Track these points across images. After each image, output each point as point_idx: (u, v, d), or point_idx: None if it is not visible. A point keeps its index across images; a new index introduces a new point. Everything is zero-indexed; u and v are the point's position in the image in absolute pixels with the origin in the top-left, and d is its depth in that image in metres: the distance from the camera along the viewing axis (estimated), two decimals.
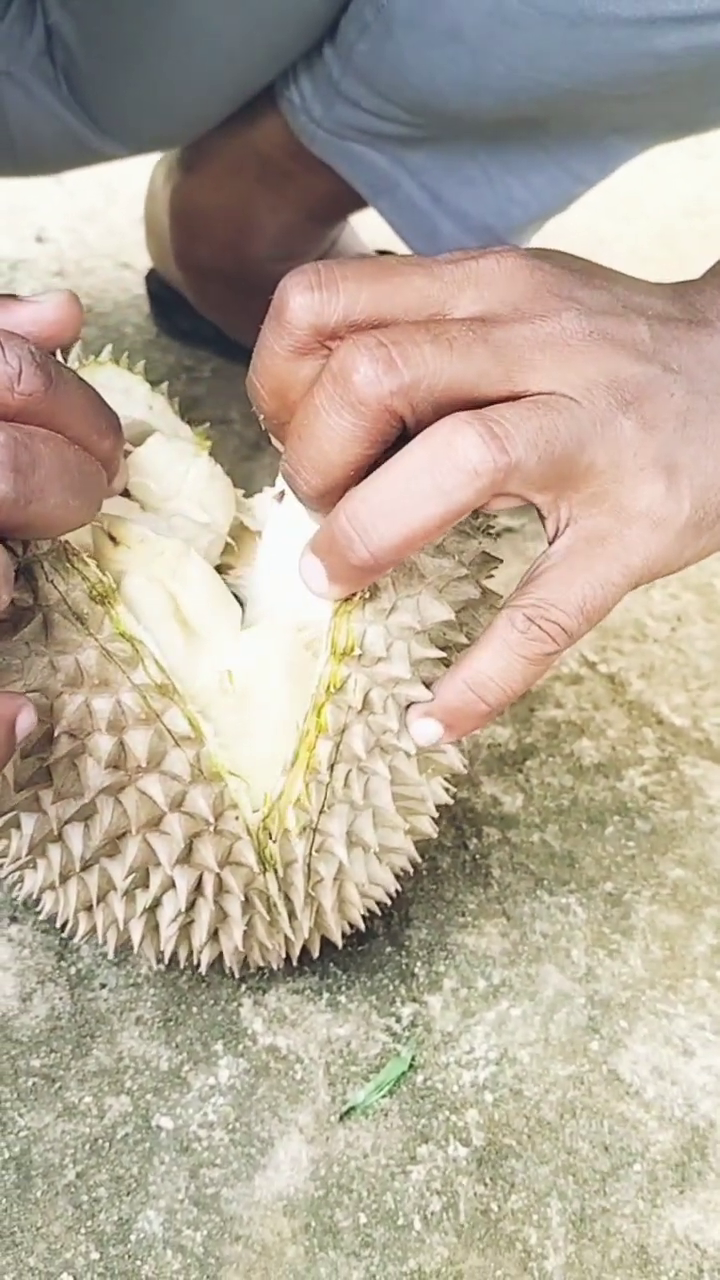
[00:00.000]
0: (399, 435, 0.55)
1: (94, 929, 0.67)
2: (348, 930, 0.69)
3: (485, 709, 0.57)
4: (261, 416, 0.59)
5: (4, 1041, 0.69)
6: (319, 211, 1.10)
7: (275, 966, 0.69)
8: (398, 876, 0.72)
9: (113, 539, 0.60)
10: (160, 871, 0.61)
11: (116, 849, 0.62)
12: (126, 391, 0.68)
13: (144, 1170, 0.65)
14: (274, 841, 0.61)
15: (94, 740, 0.58)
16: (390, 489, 0.53)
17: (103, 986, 0.72)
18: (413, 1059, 0.70)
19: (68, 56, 0.94)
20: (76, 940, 0.71)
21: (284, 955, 0.68)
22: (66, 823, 0.61)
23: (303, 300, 0.53)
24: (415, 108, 0.92)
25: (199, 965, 0.68)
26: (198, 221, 1.12)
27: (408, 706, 0.60)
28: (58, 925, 0.72)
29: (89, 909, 0.65)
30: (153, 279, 1.28)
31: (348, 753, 0.60)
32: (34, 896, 0.67)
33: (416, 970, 0.74)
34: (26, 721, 0.55)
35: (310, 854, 0.62)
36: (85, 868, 0.63)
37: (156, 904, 0.63)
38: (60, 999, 0.71)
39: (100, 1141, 0.66)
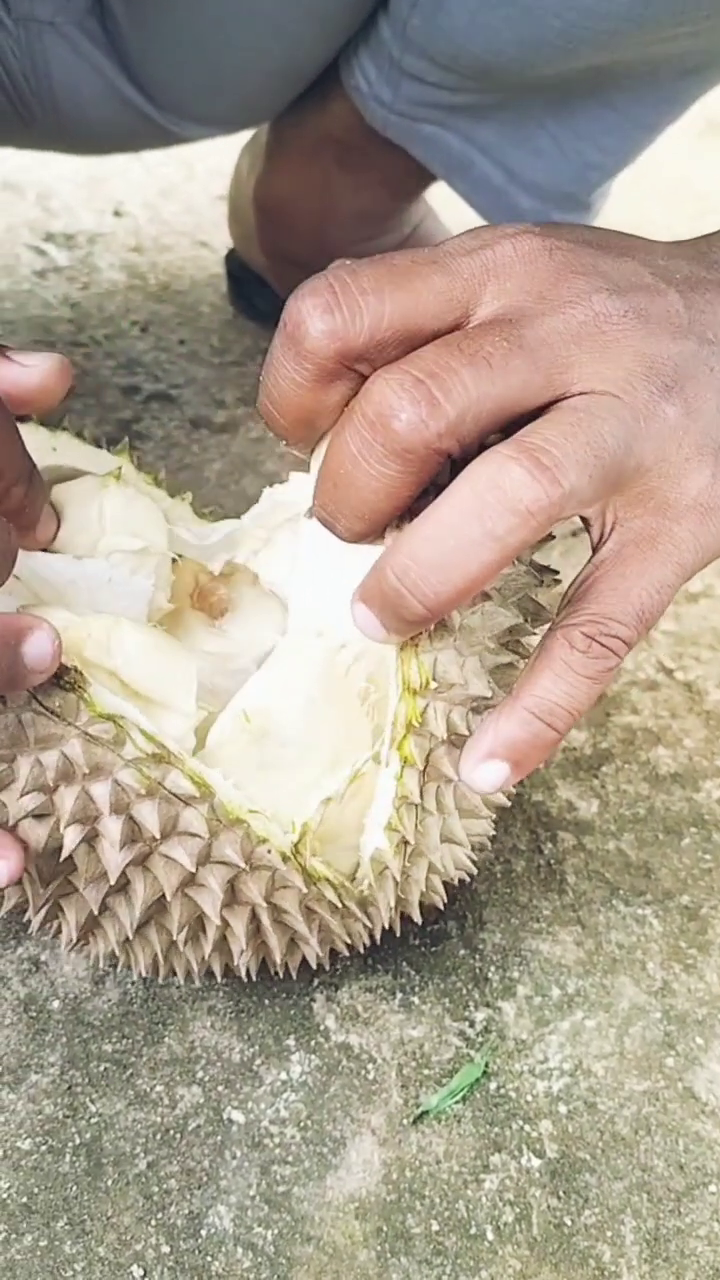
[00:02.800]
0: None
1: (174, 971, 0.66)
2: (433, 901, 0.68)
3: (555, 736, 0.53)
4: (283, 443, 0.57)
5: (76, 1024, 0.69)
6: (399, 188, 1.09)
7: (360, 948, 0.68)
8: (474, 877, 0.71)
9: None
10: (211, 919, 0.60)
11: (163, 908, 0.61)
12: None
13: (215, 1164, 0.64)
14: (315, 857, 0.60)
15: (103, 824, 0.57)
16: (438, 541, 0.49)
17: (174, 973, 0.71)
18: (486, 1065, 0.69)
19: (117, 29, 0.92)
20: (160, 981, 0.71)
21: (366, 939, 0.67)
22: (106, 896, 0.60)
23: (323, 325, 0.49)
24: (478, 74, 0.90)
25: (289, 971, 0.67)
26: (281, 210, 1.11)
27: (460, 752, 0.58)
28: (138, 977, 0.71)
29: (162, 959, 0.65)
30: (232, 259, 1.27)
31: (435, 774, 0.58)
32: (104, 963, 0.67)
33: (490, 975, 0.73)
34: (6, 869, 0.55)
35: (404, 864, 0.61)
36: (139, 929, 0.62)
37: (222, 942, 0.63)
38: (132, 984, 0.71)
39: (171, 1132, 0.65)
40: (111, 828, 0.57)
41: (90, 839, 0.57)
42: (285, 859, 0.59)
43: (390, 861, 0.60)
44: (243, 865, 0.58)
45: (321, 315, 0.49)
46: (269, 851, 0.58)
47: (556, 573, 0.61)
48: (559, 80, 0.90)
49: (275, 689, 0.61)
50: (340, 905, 0.61)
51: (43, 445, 0.67)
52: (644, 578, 0.52)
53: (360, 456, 0.49)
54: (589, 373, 0.50)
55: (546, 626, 0.61)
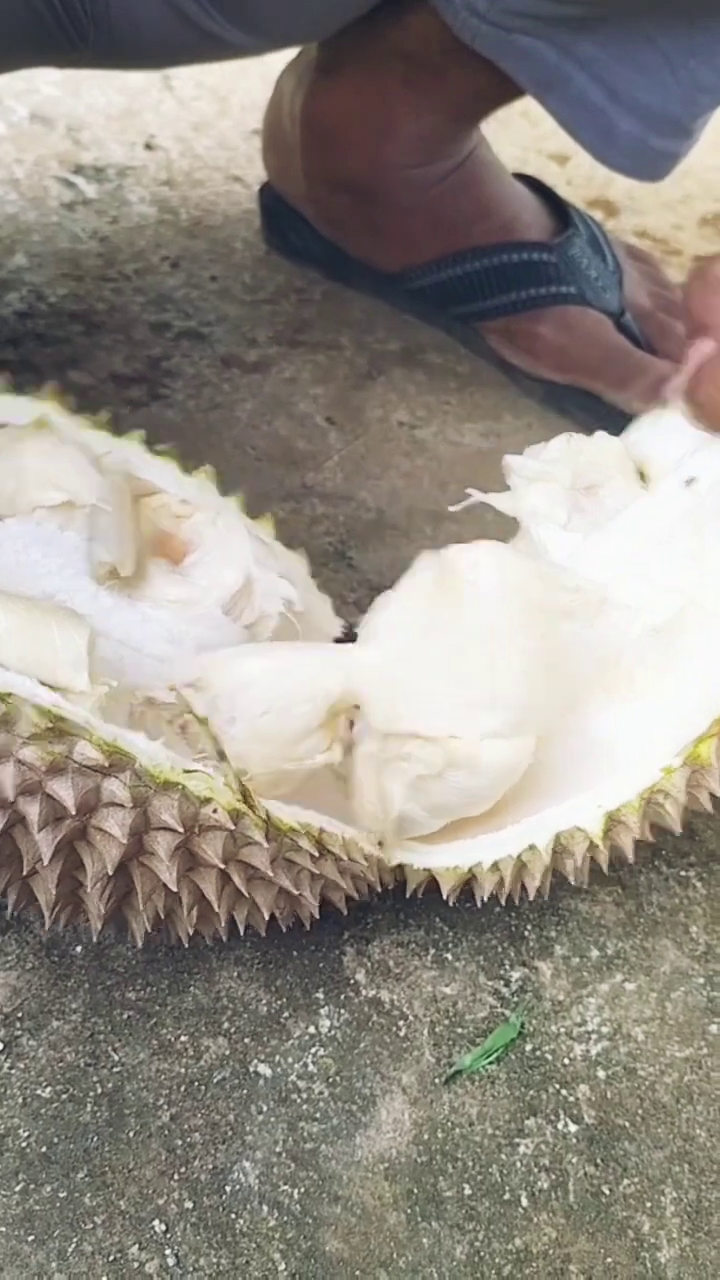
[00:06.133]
0: None
1: (179, 938, 0.63)
2: None
3: None
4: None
5: (100, 971, 0.66)
6: (465, 110, 1.04)
7: (379, 889, 0.65)
8: None
9: None
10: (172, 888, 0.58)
11: (128, 880, 0.58)
12: None
13: (240, 1118, 0.62)
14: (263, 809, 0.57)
15: (21, 806, 0.53)
16: None
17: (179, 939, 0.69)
18: (522, 1026, 0.67)
19: None
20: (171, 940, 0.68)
21: (374, 877, 0.64)
22: (69, 872, 0.57)
23: None
24: None
25: (299, 921, 0.64)
26: (333, 128, 1.07)
27: None
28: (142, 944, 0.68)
29: (161, 924, 0.62)
30: (267, 193, 1.23)
31: (700, 778, 0.56)
32: (104, 935, 0.65)
33: (526, 933, 0.71)
34: None
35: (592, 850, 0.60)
36: (121, 902, 0.59)
37: (205, 905, 0.60)
38: (158, 932, 0.68)
39: (196, 1084, 0.63)
40: (30, 810, 0.53)
41: (20, 821, 0.54)
42: (238, 816, 0.55)
43: (577, 848, 0.58)
44: (181, 830, 0.54)
45: None
46: (215, 811, 0.55)
47: None
48: None
49: (495, 563, 0.57)
50: (322, 853, 0.59)
51: None
52: None
53: None
54: None
55: None
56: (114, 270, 1.19)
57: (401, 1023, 0.66)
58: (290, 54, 1.14)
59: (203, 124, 1.44)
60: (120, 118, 1.43)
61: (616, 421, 1.03)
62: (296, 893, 0.60)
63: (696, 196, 1.37)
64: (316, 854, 0.58)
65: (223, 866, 0.56)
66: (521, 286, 1.06)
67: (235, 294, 1.18)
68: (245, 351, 1.11)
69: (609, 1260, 0.59)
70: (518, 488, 0.65)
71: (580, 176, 1.36)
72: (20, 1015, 0.64)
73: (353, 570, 0.91)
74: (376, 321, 1.15)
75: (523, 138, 1.42)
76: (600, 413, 1.04)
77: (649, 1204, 0.61)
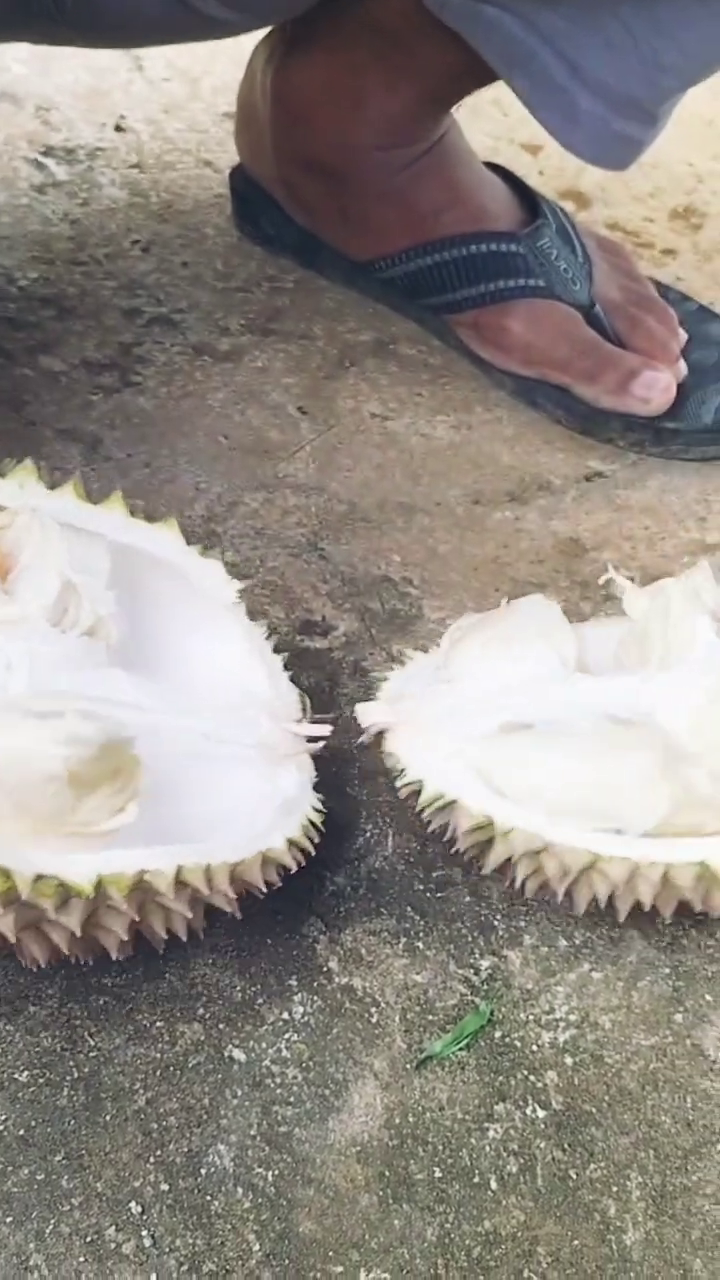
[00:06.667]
0: None
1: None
2: None
3: None
4: None
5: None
6: (436, 91, 1.04)
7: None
8: None
9: None
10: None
11: None
12: None
13: (215, 1102, 0.63)
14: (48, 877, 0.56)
15: None
16: None
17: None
18: (491, 1013, 0.68)
19: None
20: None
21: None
22: None
23: None
24: None
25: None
26: (303, 104, 1.06)
27: None
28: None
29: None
30: (238, 176, 1.23)
31: None
32: None
33: (496, 923, 0.72)
34: None
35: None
36: None
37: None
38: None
39: (171, 1069, 0.64)
40: None
41: None
42: (11, 892, 0.55)
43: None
44: None
45: None
46: None
47: None
48: None
49: None
50: (149, 894, 0.59)
51: None
52: None
53: None
54: None
55: None
56: (85, 254, 1.19)
57: (373, 1009, 0.67)
58: (263, 33, 1.14)
59: (173, 106, 1.44)
60: (89, 98, 1.43)
61: (586, 415, 1.05)
62: (125, 939, 0.60)
63: (667, 190, 1.38)
64: (131, 903, 0.58)
65: (16, 935, 0.57)
66: (490, 279, 1.06)
67: (207, 280, 1.18)
68: (217, 339, 1.11)
69: (576, 1243, 0.60)
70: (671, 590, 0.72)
71: (552, 167, 1.37)
72: None
73: (325, 561, 0.91)
74: (349, 311, 1.16)
75: (494, 127, 1.42)
76: (571, 407, 1.05)
77: (615, 1188, 0.62)
